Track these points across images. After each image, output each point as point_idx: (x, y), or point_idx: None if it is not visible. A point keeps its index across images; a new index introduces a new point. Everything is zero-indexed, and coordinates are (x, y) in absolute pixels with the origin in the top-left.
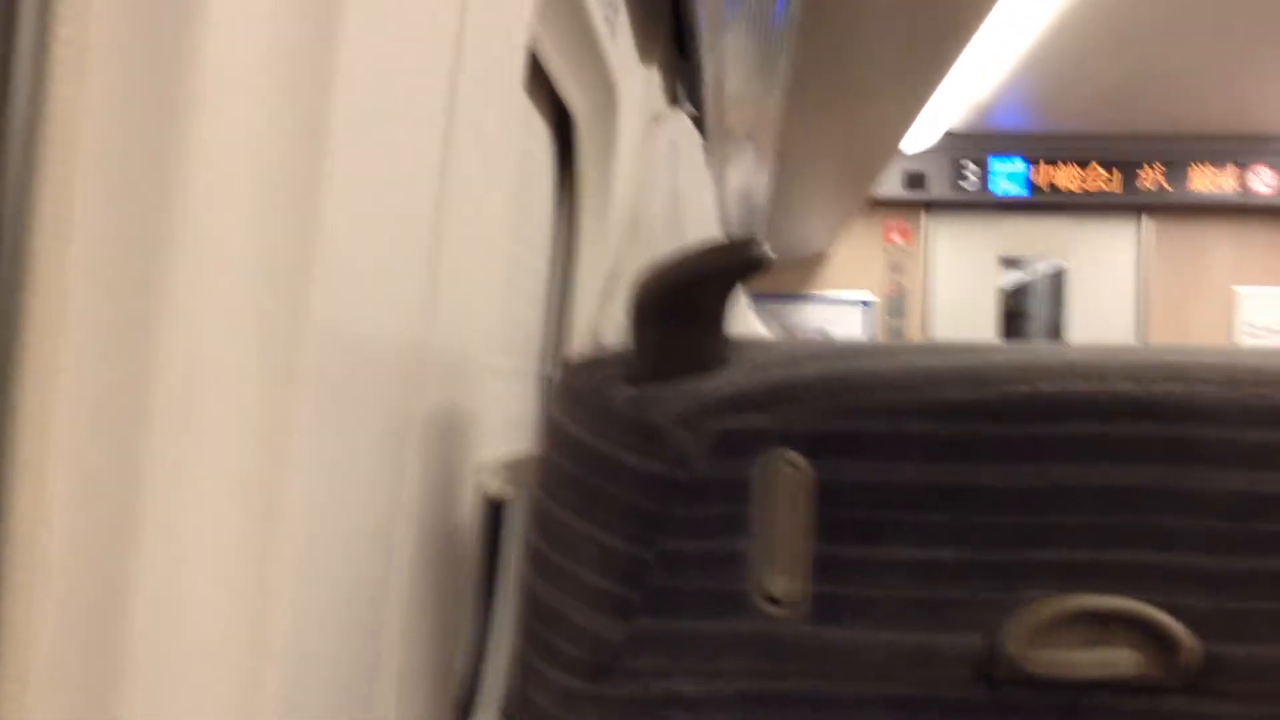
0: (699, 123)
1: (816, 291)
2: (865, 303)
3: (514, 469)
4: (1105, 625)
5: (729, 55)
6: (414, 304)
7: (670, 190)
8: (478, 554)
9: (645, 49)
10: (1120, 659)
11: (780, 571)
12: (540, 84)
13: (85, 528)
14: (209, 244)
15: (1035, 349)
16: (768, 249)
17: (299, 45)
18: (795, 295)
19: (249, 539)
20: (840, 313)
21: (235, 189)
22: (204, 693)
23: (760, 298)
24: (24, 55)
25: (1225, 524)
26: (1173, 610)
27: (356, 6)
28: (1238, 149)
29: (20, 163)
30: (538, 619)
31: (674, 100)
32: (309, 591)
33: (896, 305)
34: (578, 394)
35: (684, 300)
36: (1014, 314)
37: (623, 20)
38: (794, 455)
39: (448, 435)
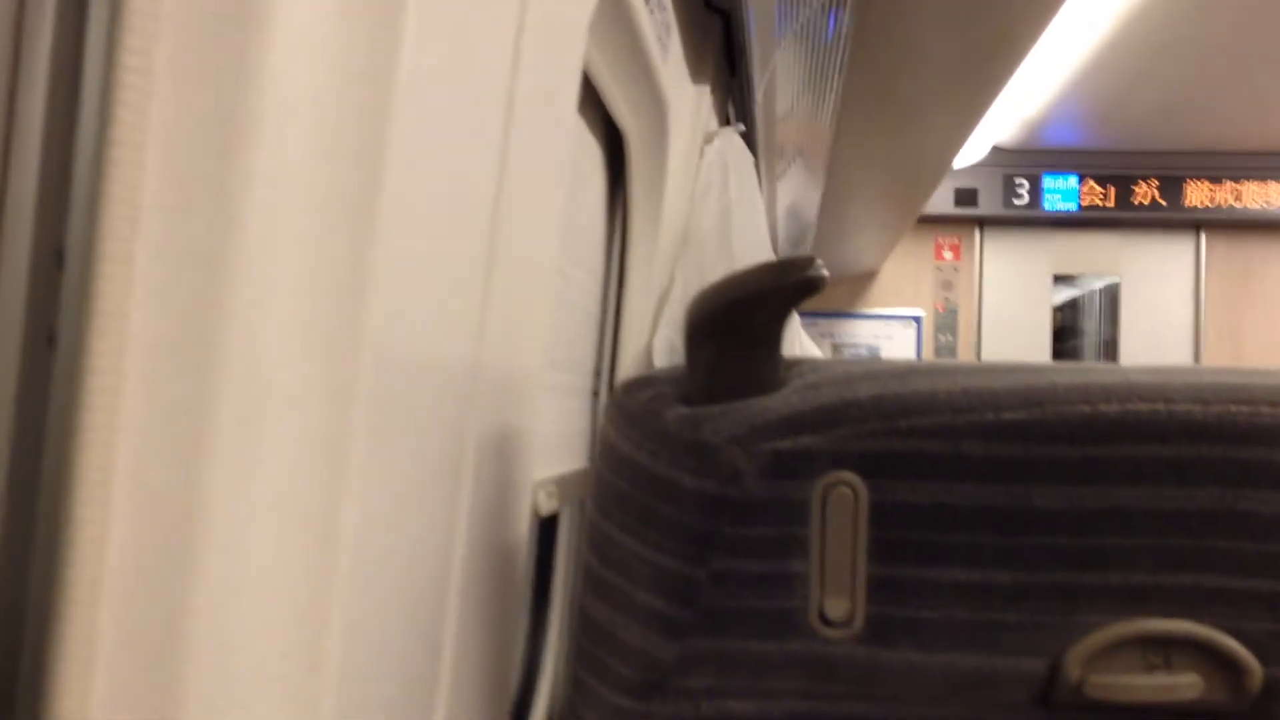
0: (749, 140)
1: (867, 309)
2: (916, 319)
3: (565, 485)
4: (1166, 649)
5: (780, 73)
6: (469, 322)
7: (721, 208)
8: (531, 571)
9: (696, 68)
10: (1182, 683)
11: (834, 592)
12: (592, 103)
13: (147, 548)
14: (270, 264)
15: (1094, 369)
16: (823, 270)
17: (360, 68)
18: (845, 312)
19: (307, 558)
20: (891, 329)
21: (296, 210)
22: (262, 712)
23: (810, 315)
24: (92, 81)
25: None
26: (1234, 634)
27: (417, 31)
28: None
29: (86, 187)
30: (589, 636)
31: (725, 118)
32: (366, 611)
33: (947, 322)
34: (631, 413)
35: (739, 321)
36: (1067, 331)
37: (675, 40)
38: (849, 476)
39: (503, 453)
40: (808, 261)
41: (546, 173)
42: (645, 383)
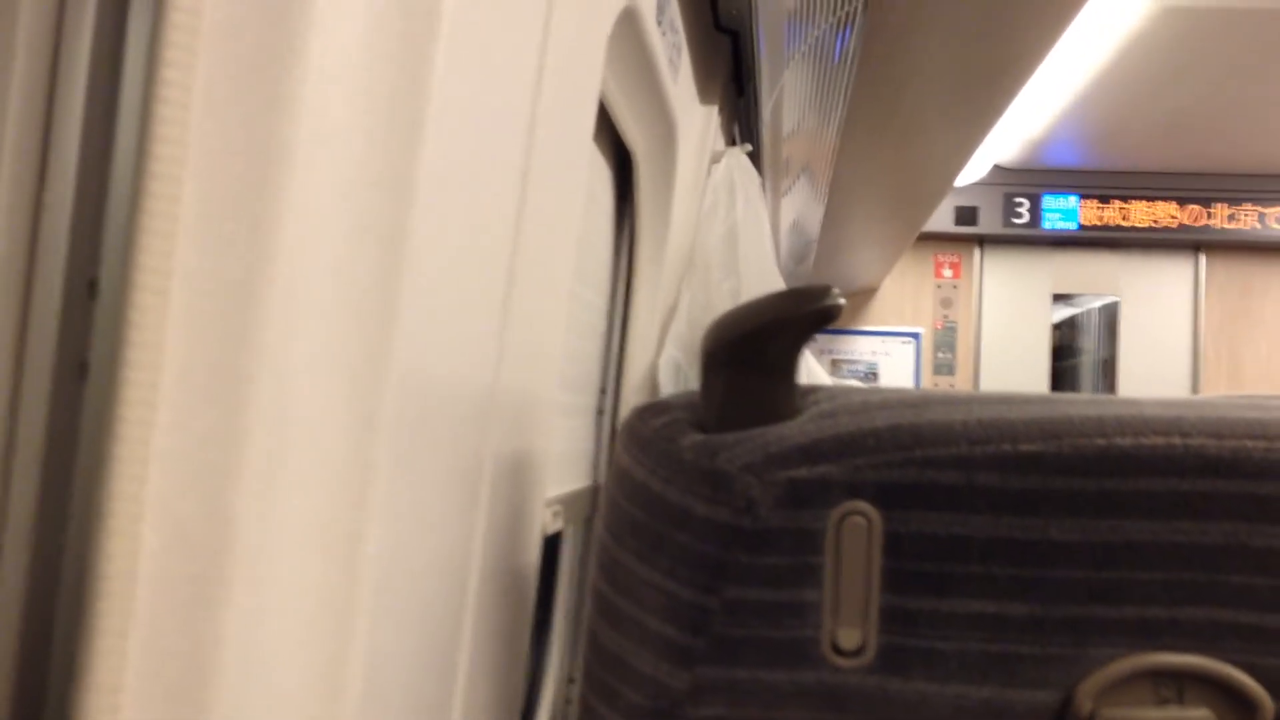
0: (755, 158)
1: (866, 325)
2: (915, 336)
3: (569, 504)
4: (1179, 683)
5: (786, 92)
6: (488, 347)
7: (727, 228)
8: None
9: (705, 88)
10: (1193, 718)
11: (847, 622)
12: (603, 124)
13: (176, 579)
14: (301, 295)
15: (1110, 401)
16: (840, 299)
17: (391, 99)
18: (845, 329)
19: (332, 587)
20: (889, 346)
21: (327, 240)
22: None
23: None
24: (128, 112)
25: None
26: (1246, 669)
27: (446, 62)
28: None
29: (122, 218)
30: (600, 663)
31: (732, 138)
32: (386, 638)
33: (946, 339)
34: (645, 439)
35: (755, 349)
36: (1065, 349)
37: (685, 61)
38: (864, 505)
39: (517, 474)
40: (824, 291)
41: (564, 197)
42: (660, 409)
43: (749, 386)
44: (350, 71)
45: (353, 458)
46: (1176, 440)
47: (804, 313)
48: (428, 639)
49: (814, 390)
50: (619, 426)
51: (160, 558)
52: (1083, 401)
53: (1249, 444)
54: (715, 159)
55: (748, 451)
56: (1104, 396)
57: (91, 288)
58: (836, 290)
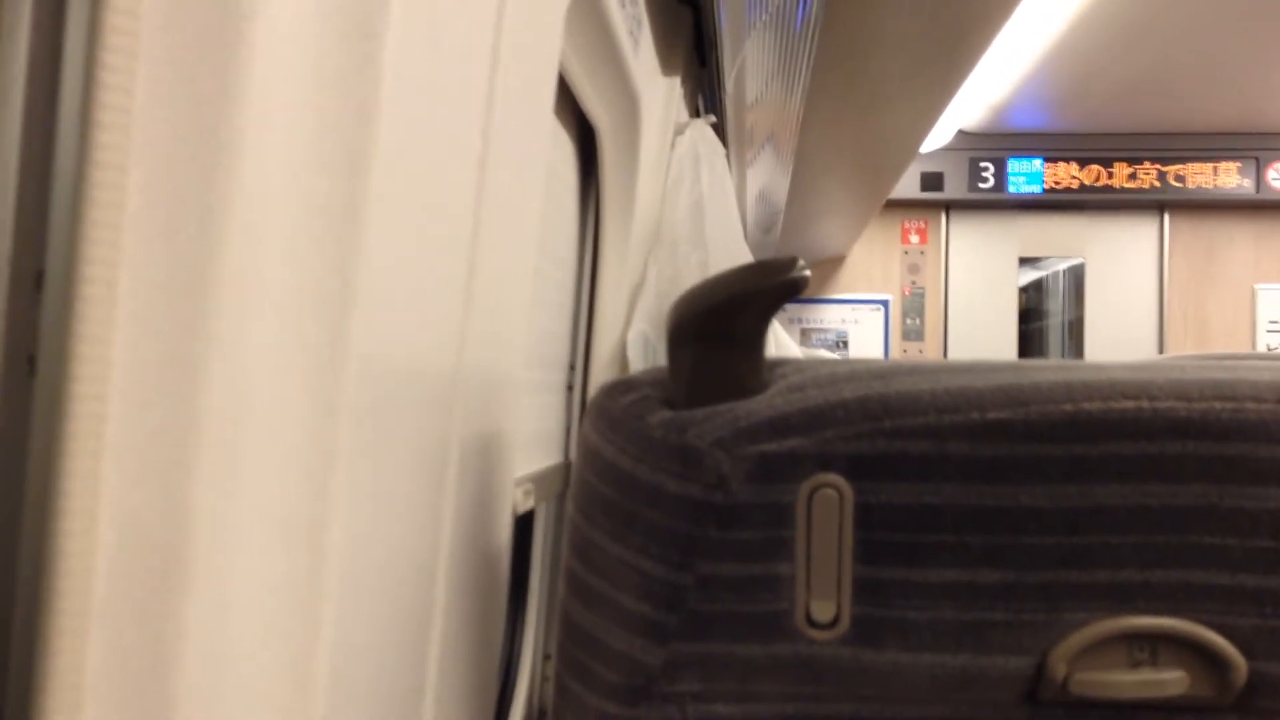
0: (720, 129)
1: (835, 293)
2: (884, 303)
3: (541, 482)
4: (1152, 646)
5: (749, 62)
6: (451, 329)
7: (693, 200)
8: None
9: (667, 60)
10: (1167, 679)
11: (820, 594)
12: (564, 98)
13: (134, 572)
14: (253, 283)
15: (1078, 367)
16: (806, 270)
17: (340, 79)
18: (814, 298)
19: (295, 576)
20: (859, 314)
21: (278, 225)
22: None
23: None
24: (70, 100)
25: (1271, 542)
26: (1219, 629)
27: (398, 40)
28: (1256, 145)
29: (67, 205)
30: (573, 641)
31: (695, 109)
32: (354, 625)
33: (914, 305)
34: (614, 417)
35: (722, 324)
36: (1032, 312)
37: (645, 34)
38: (834, 478)
39: (484, 455)
40: (790, 263)
41: (525, 174)
42: (627, 386)
43: (717, 361)
44: (298, 52)
45: (313, 446)
46: (1145, 404)
47: (770, 285)
48: (398, 625)
49: (782, 363)
50: (588, 403)
51: (117, 552)
52: (1051, 367)
53: (1217, 405)
54: (679, 131)
55: (717, 427)
56: (1072, 362)
57: (38, 280)
58: (802, 261)
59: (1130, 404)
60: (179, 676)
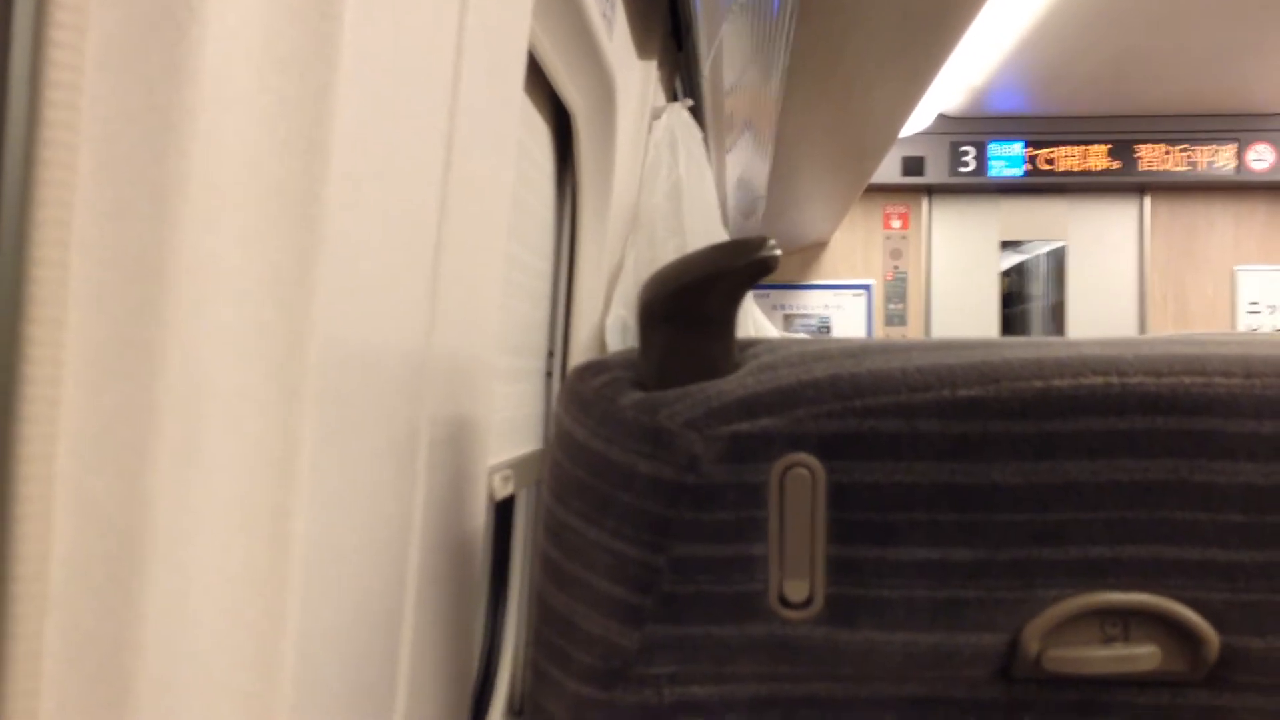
0: (697, 114)
1: (817, 279)
2: (866, 289)
3: (520, 468)
4: (1125, 621)
5: (726, 46)
6: (418, 313)
7: (671, 184)
8: (487, 555)
9: (642, 44)
10: (1140, 654)
11: (794, 575)
12: (538, 83)
13: (92, 559)
14: (210, 264)
15: (1048, 344)
16: (776, 250)
17: (297, 58)
18: (796, 284)
19: (258, 563)
20: (841, 299)
21: (234, 206)
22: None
23: (761, 287)
24: (18, 78)
25: (1242, 516)
26: (1191, 604)
27: (355, 17)
28: (1236, 127)
29: (16, 186)
30: (549, 625)
31: (672, 94)
32: (321, 613)
33: (897, 290)
34: (586, 399)
35: (693, 304)
36: (1015, 296)
37: (620, 16)
38: (806, 457)
39: (456, 441)
40: (760, 242)
41: (494, 155)
42: (599, 368)
43: (688, 342)
44: (252, 32)
45: (275, 431)
46: (1115, 380)
47: (741, 265)
48: (368, 612)
49: (754, 343)
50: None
51: (74, 540)
52: (1022, 344)
53: (1186, 380)
54: (656, 115)
55: (688, 407)
56: (1043, 338)
57: None
58: (773, 241)
59: (1100, 380)
60: (138, 664)
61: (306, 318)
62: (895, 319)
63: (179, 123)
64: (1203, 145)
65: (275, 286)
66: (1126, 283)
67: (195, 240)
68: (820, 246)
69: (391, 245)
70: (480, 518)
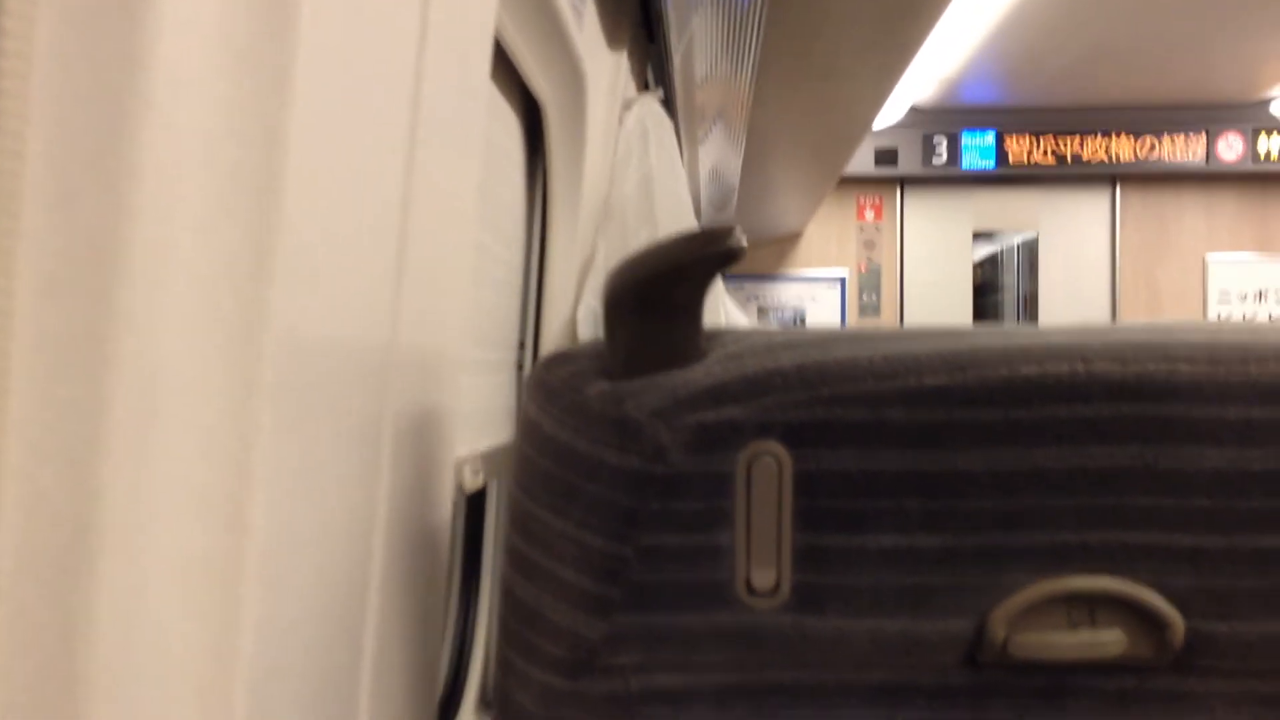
0: (669, 106)
1: (792, 270)
2: (840, 280)
3: (491, 460)
4: (1091, 606)
5: (697, 37)
6: (380, 303)
7: (642, 176)
8: (459, 548)
9: (613, 34)
10: (1106, 640)
11: (761, 563)
12: (507, 73)
13: (42, 551)
14: (163, 253)
15: (1015, 332)
16: (743, 239)
17: (254, 43)
18: (770, 275)
19: (213, 555)
20: (815, 291)
21: (190, 194)
22: (169, 716)
23: (735, 278)
24: None
25: (1207, 502)
26: (1157, 589)
27: (314, 2)
28: (1206, 117)
29: None
30: (517, 617)
31: (644, 85)
32: (279, 605)
33: (870, 281)
34: (552, 390)
35: (659, 293)
36: (988, 286)
37: (589, 7)
38: (773, 445)
39: (422, 433)
40: (727, 231)
41: (460, 143)
42: (565, 358)
43: (654, 331)
44: (210, 16)
45: (231, 422)
46: (1080, 367)
47: (708, 254)
48: (330, 603)
49: (720, 333)
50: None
51: (24, 531)
52: (989, 333)
53: (1151, 367)
54: (627, 106)
55: (655, 397)
56: (1010, 327)
57: None
58: (740, 230)
59: (1065, 367)
60: (89, 657)
61: (263, 308)
62: (869, 310)
63: (132, 110)
64: (1173, 135)
65: (231, 276)
66: (1098, 272)
67: (148, 229)
68: (794, 238)
69: (353, 236)
70: (446, 510)
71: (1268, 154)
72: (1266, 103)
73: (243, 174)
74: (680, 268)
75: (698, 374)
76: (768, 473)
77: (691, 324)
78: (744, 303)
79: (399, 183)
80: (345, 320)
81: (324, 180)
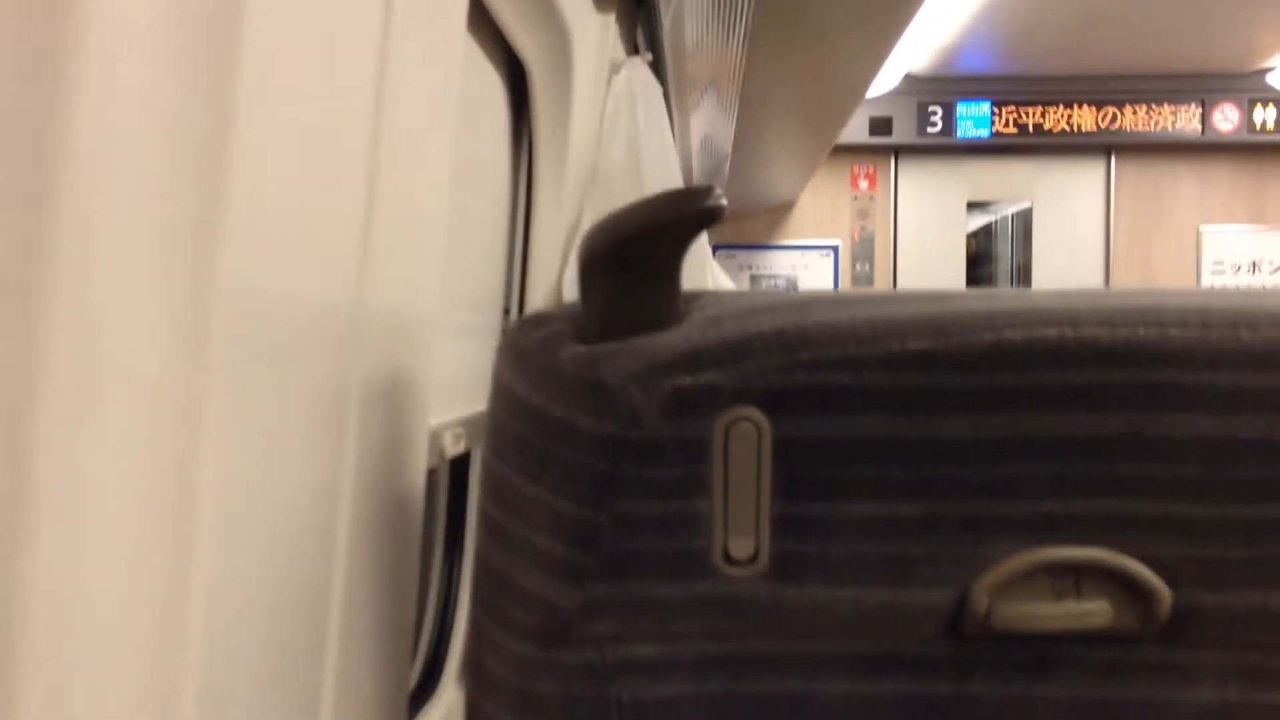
0: (659, 71)
1: (785, 240)
2: (833, 249)
3: (473, 426)
4: (1076, 577)
5: (688, 2)
6: (345, 264)
7: (629, 140)
8: (442, 516)
9: None
10: (1092, 610)
11: (739, 532)
12: (490, 32)
13: None
14: (98, 204)
15: (1001, 295)
16: (722, 199)
17: None
18: (763, 244)
19: (161, 519)
20: (808, 260)
21: (127, 144)
22: (113, 691)
23: (728, 247)
24: None
25: (1197, 470)
26: (1144, 559)
27: None
28: (1202, 87)
29: None
30: (489, 584)
31: (633, 49)
32: (234, 572)
33: (864, 251)
34: (525, 353)
35: (636, 254)
36: (982, 257)
37: None
38: (751, 411)
39: (393, 398)
40: (706, 191)
41: (433, 97)
42: (540, 320)
43: (630, 293)
44: None
45: (178, 385)
46: (1068, 331)
47: (686, 214)
48: (293, 571)
49: (699, 295)
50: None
51: None
52: (974, 296)
53: (1141, 332)
54: (615, 69)
55: (630, 361)
56: (996, 290)
57: None
58: (719, 190)
59: (1053, 332)
60: (25, 623)
61: (211, 264)
62: (862, 279)
63: (66, 57)
64: (1169, 105)
65: (175, 230)
66: (1092, 243)
67: (86, 181)
68: (787, 207)
69: (314, 192)
70: (420, 478)
71: (1263, 125)
72: (1263, 73)
73: (187, 125)
74: (658, 227)
75: (675, 338)
76: (746, 439)
77: (669, 286)
78: (736, 272)
79: (365, 139)
80: (307, 281)
81: (279, 134)
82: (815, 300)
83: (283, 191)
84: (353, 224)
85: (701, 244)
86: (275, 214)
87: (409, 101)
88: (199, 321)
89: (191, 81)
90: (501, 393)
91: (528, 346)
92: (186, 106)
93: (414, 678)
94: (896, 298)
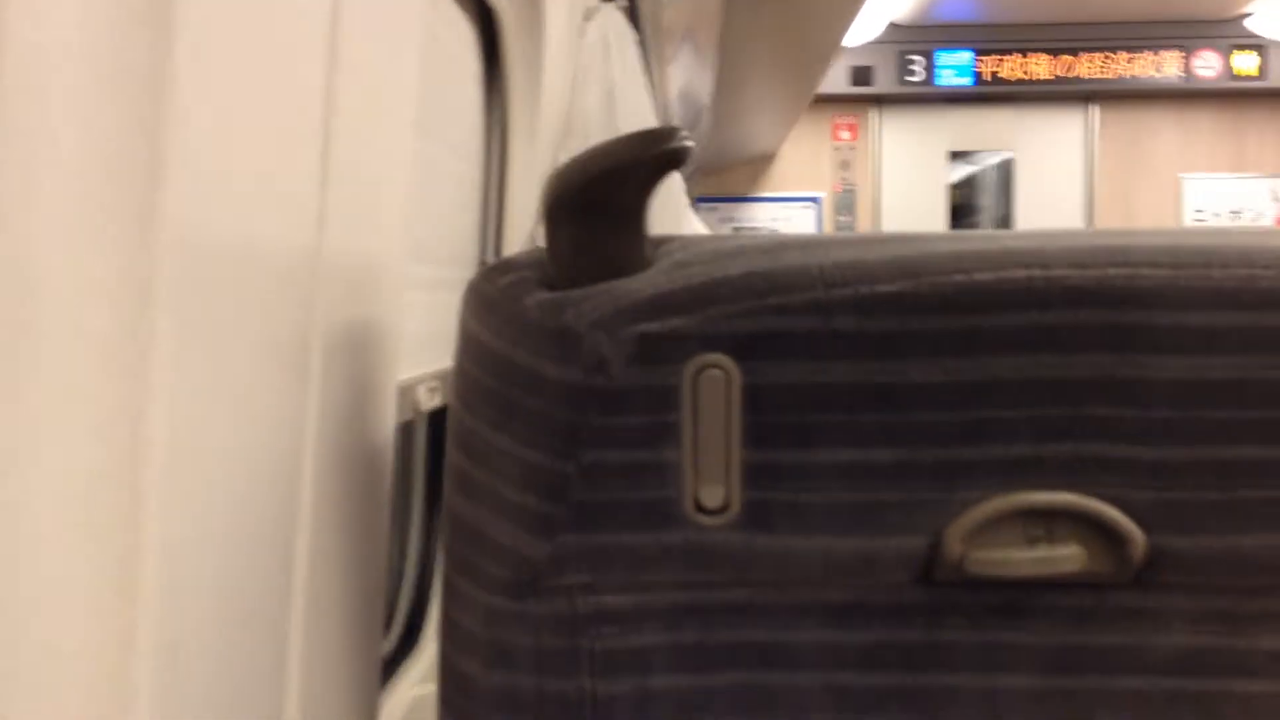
0: (634, 18)
1: (766, 191)
2: (815, 201)
3: (450, 380)
4: (1048, 522)
5: None
6: (303, 206)
7: (604, 89)
8: (421, 470)
9: None
10: (1064, 555)
11: (709, 480)
12: None
13: None
14: (35, 143)
15: (970, 237)
16: (687, 140)
17: None
18: (744, 197)
19: (105, 469)
20: (790, 212)
21: (64, 81)
22: (62, 660)
23: (709, 199)
24: None
25: (1169, 413)
26: (1116, 503)
27: None
28: (1183, 33)
29: None
30: (459, 537)
31: None
32: (188, 523)
33: (846, 202)
34: (490, 300)
35: (600, 197)
36: (964, 207)
37: None
38: (720, 358)
39: (359, 349)
40: (671, 132)
41: (392, 40)
42: (505, 267)
43: (596, 238)
44: None
45: (122, 324)
46: (1038, 272)
47: (651, 155)
48: (255, 527)
49: (667, 240)
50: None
51: None
52: (943, 238)
53: (1111, 272)
54: (588, 18)
55: (595, 307)
56: (965, 232)
57: None
58: (684, 132)
59: (1023, 273)
60: None
61: (155, 202)
62: (845, 231)
63: None
64: (1149, 52)
65: (115, 166)
66: (1073, 192)
67: (17, 117)
68: (768, 159)
69: (265, 130)
70: (388, 433)
71: (1244, 71)
72: (1242, 19)
73: (123, 56)
74: (622, 169)
75: (641, 283)
76: (714, 386)
77: (635, 230)
78: (718, 225)
79: (319, 78)
80: (261, 224)
81: (225, 68)
82: (784, 244)
83: (231, 131)
84: (310, 163)
85: (678, 194)
86: (222, 155)
87: (365, 43)
88: (143, 257)
89: (128, 10)
90: (467, 342)
91: (492, 294)
92: (123, 38)
93: (394, 635)
94: (866, 240)
